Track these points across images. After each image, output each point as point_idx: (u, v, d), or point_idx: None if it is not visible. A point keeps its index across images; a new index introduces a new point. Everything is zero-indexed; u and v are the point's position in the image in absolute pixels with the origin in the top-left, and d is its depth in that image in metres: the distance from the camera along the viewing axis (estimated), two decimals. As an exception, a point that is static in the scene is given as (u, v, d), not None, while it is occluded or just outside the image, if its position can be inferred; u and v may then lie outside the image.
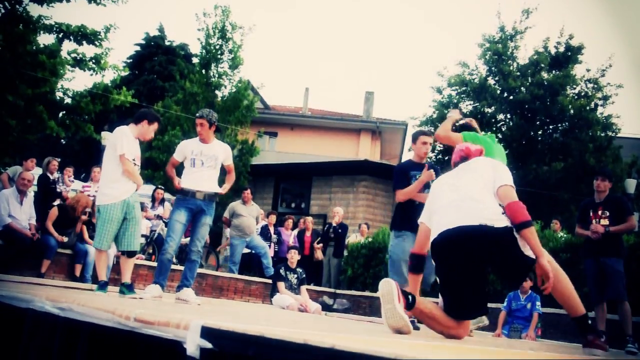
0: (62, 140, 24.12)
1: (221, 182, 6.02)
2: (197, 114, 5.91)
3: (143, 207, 10.74)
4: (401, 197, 5.55)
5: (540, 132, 17.61)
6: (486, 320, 4.84)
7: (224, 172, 6.05)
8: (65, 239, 8.08)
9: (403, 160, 26.50)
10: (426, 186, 5.39)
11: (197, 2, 29.97)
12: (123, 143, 5.33)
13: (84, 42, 13.23)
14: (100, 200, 5.36)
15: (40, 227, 8.00)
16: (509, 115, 17.84)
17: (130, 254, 5.50)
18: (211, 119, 5.83)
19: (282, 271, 8.50)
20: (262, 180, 19.21)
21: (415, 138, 5.79)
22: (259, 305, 8.92)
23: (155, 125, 5.62)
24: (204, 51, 17.36)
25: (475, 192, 3.31)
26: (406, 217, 5.47)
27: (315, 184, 18.69)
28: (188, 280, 5.76)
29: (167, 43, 28.15)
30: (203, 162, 5.78)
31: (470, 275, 3.20)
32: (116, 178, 5.34)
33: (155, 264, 9.25)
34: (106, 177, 5.42)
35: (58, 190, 9.19)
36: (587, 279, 6.17)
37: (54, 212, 8.04)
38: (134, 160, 5.44)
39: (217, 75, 17.42)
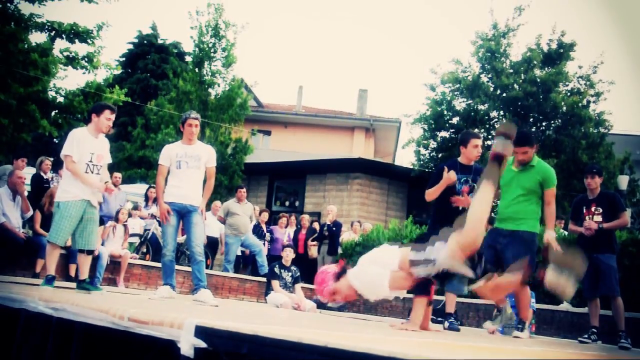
0: (55, 140, 23.99)
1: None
2: (192, 115, 5.96)
3: (137, 207, 10.70)
4: (426, 198, 5.50)
5: (533, 129, 17.65)
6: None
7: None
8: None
9: (394, 158, 26.53)
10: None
11: (190, 0, 29.88)
12: (68, 145, 5.46)
13: (76, 40, 13.14)
14: (60, 197, 5.50)
15: (32, 227, 7.95)
16: (502, 113, 17.85)
17: (89, 252, 5.70)
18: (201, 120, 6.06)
19: (276, 269, 8.50)
20: (256, 179, 19.19)
21: (465, 141, 5.52)
22: (254, 304, 8.92)
23: (105, 114, 5.59)
24: (197, 49, 17.30)
25: None
26: (436, 219, 5.52)
27: (309, 182, 18.68)
28: (201, 281, 5.83)
29: (160, 41, 28.01)
30: (188, 162, 5.90)
31: None
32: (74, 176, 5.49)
33: (149, 263, 9.27)
34: (66, 175, 5.56)
35: (51, 189, 9.15)
36: (580, 275, 6.21)
37: (37, 215, 7.97)
38: (91, 161, 5.51)
39: (210, 74, 17.36)
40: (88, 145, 5.51)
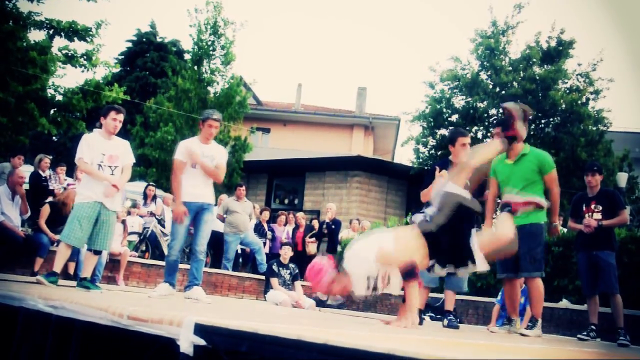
0: (54, 138, 23.98)
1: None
2: (214, 117, 5.98)
3: (135, 204, 10.69)
4: (421, 199, 5.45)
5: (532, 127, 17.64)
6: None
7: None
8: (58, 237, 8.02)
9: (391, 156, 26.51)
10: None
11: (188, -2, 29.82)
12: (79, 149, 5.65)
13: (75, 38, 13.12)
14: (76, 199, 5.73)
15: (32, 225, 7.95)
16: (501, 110, 17.85)
17: (97, 252, 5.83)
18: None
19: (274, 267, 8.50)
20: (255, 177, 19.19)
21: (453, 139, 5.47)
22: (253, 302, 8.93)
23: (111, 115, 5.73)
24: (196, 47, 17.28)
25: None
26: None
27: (308, 180, 18.69)
28: (197, 279, 5.87)
29: (158, 39, 27.99)
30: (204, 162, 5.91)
31: None
32: (89, 179, 5.66)
33: (148, 261, 9.27)
34: (81, 178, 5.83)
35: (50, 187, 9.13)
36: (580, 272, 6.22)
37: (45, 210, 7.97)
38: (102, 161, 5.65)
39: (209, 72, 17.34)
40: (99, 147, 5.66)
